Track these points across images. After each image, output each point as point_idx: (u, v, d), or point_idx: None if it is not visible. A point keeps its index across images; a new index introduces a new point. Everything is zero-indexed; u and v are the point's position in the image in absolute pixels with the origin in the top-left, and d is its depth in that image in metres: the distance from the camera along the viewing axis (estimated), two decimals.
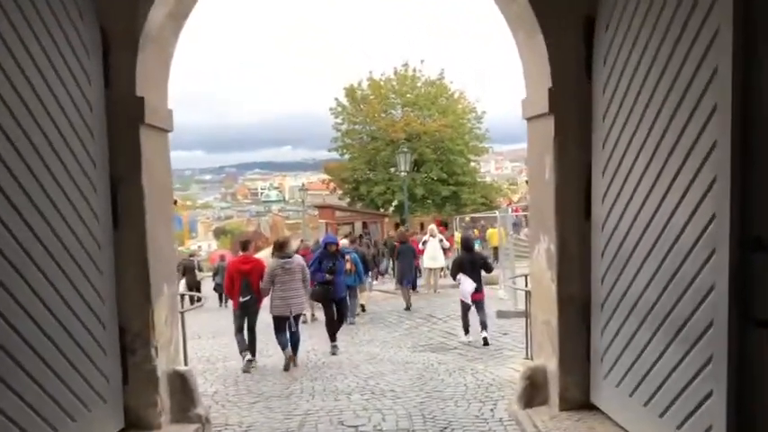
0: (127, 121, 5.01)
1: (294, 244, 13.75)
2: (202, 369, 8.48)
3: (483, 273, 10.50)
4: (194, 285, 19.64)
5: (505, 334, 10.10)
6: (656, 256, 4.14)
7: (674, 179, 3.91)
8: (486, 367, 7.85)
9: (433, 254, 16.49)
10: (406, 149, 22.96)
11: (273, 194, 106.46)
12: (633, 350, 4.48)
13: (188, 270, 20.04)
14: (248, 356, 8.72)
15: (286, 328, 8.72)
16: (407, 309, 14.18)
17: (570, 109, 5.12)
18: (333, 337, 9.79)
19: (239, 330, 9.01)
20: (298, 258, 9.20)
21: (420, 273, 17.29)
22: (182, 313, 7.67)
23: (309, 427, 5.57)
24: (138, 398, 5.15)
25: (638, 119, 4.33)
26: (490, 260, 12.79)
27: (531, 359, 7.27)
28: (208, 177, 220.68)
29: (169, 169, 5.89)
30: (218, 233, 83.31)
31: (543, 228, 5.49)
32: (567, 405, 5.25)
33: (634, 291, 4.45)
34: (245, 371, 8.44)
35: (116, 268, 5.02)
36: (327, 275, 9.71)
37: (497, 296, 14.66)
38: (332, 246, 10.13)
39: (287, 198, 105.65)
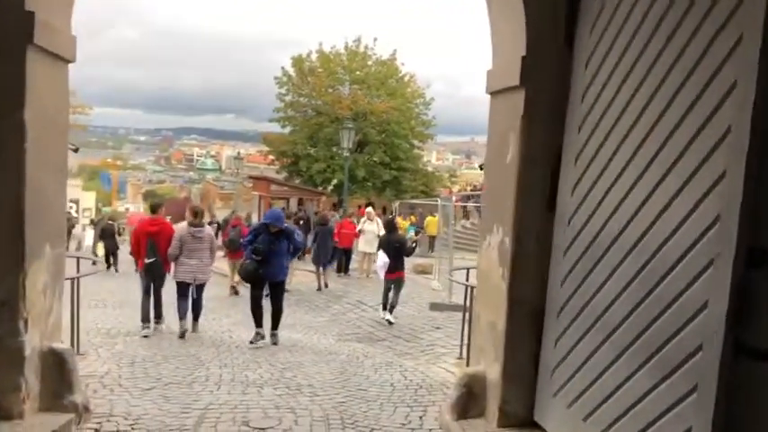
0: (8, 38, 4.03)
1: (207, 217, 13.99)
2: (99, 343, 7.49)
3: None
4: (113, 250, 18.54)
5: (438, 328, 9.47)
6: (634, 262, 3.50)
7: (668, 171, 3.27)
8: (416, 365, 7.19)
9: (370, 238, 15.80)
10: (351, 125, 22.04)
11: (209, 162, 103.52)
12: (592, 369, 3.85)
13: (107, 234, 19.17)
14: (147, 329, 8.66)
15: (188, 295, 8.81)
16: (319, 289, 14.17)
17: (544, 83, 4.43)
18: (276, 326, 8.54)
19: (146, 293, 8.92)
20: (208, 229, 9.31)
21: (335, 257, 16.50)
22: (77, 279, 6.70)
23: (208, 425, 4.74)
24: None
25: (627, 99, 3.67)
26: (409, 244, 12.73)
27: (467, 362, 6.66)
28: (143, 138, 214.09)
29: (66, 108, 4.91)
30: (148, 197, 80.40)
31: (498, 217, 4.81)
32: (507, 420, 4.61)
33: (601, 300, 3.81)
34: (144, 336, 8.42)
35: None
36: (254, 255, 8.27)
37: (430, 287, 14.11)
38: (274, 227, 8.34)
39: (223, 168, 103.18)
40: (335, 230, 16.69)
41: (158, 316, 8.96)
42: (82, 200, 41.14)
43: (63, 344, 4.88)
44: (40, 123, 4.25)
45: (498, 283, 4.73)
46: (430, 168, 44.30)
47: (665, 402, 3.17)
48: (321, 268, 14.66)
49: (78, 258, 7.62)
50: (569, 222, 4.24)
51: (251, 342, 8.13)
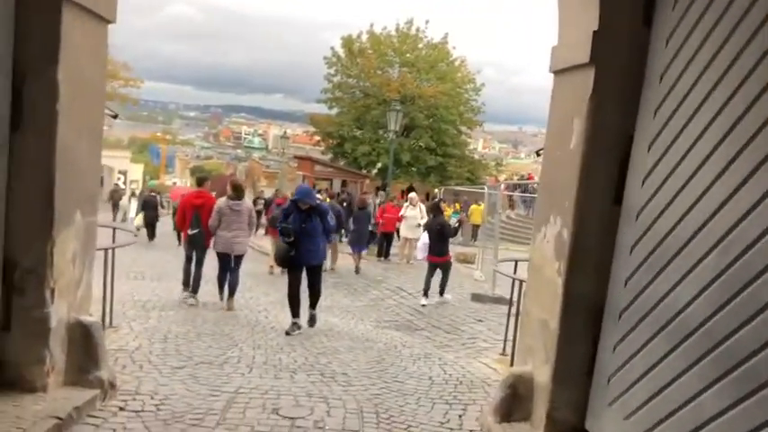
0: None
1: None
2: (132, 316, 7.37)
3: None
4: (153, 222, 18.85)
5: (480, 321, 9.10)
6: (715, 263, 3.09)
7: (760, 164, 2.85)
8: (456, 358, 6.85)
9: (411, 224, 15.45)
10: (398, 108, 21.60)
11: (256, 141, 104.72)
12: (657, 379, 3.46)
13: (149, 205, 19.33)
14: (188, 295, 8.95)
15: (227, 266, 8.96)
16: (357, 272, 14.00)
17: (617, 60, 4.00)
18: (312, 305, 8.05)
19: (188, 260, 9.24)
20: (247, 202, 9.41)
21: (373, 241, 16.38)
22: (112, 250, 6.55)
23: (236, 410, 4.51)
24: (20, 351, 4.05)
25: (716, 78, 3.23)
26: (452, 225, 12.89)
27: (512, 360, 6.30)
28: (192, 114, 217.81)
29: (103, 70, 4.69)
30: (195, 172, 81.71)
31: (556, 207, 4.42)
32: (555, 427, 4.25)
33: (671, 304, 3.40)
34: (183, 301, 8.81)
35: (8, 181, 3.88)
36: (285, 238, 7.72)
37: (473, 277, 13.73)
38: (303, 203, 7.71)
39: (270, 147, 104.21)
40: (378, 214, 16.48)
41: (195, 289, 9.06)
42: (130, 172, 41.81)
43: (91, 316, 4.70)
44: (74, 84, 4.03)
45: (553, 277, 4.36)
46: (476, 156, 43.57)
47: (747, 424, 2.78)
48: (356, 251, 14.56)
49: (114, 229, 7.47)
50: (637, 217, 3.83)
51: (287, 333, 7.52)
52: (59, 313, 4.21)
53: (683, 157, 3.45)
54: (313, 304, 8.10)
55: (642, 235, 3.76)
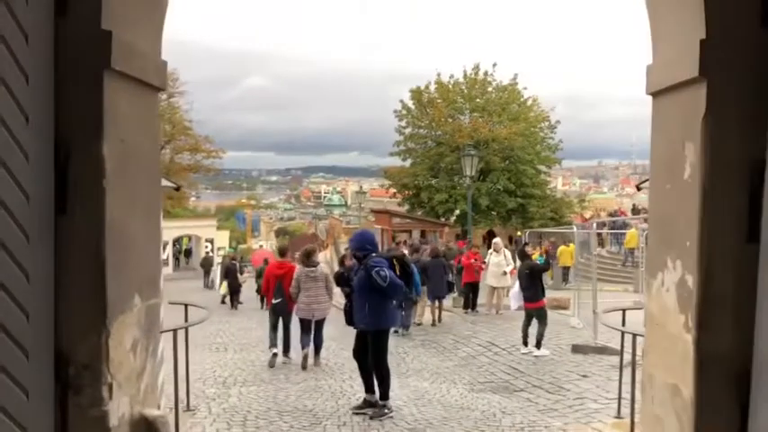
0: (83, 61, 3.54)
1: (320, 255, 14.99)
2: (212, 395, 7.01)
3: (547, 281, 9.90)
4: (236, 288, 19.32)
5: (585, 376, 8.22)
6: None
7: None
8: (564, 425, 6.07)
9: (496, 271, 14.67)
10: (473, 152, 21.06)
11: (336, 198, 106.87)
12: None
13: (230, 273, 19.82)
14: (274, 350, 9.54)
15: (309, 329, 9.30)
16: (433, 324, 13.64)
17: (733, 71, 3.36)
18: (383, 395, 6.57)
19: (273, 328, 9.85)
20: (322, 267, 9.85)
21: (452, 289, 15.53)
22: (186, 329, 6.24)
23: None
24: None
25: None
26: (539, 264, 11.52)
27: (631, 425, 5.47)
28: (274, 179, 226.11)
29: (156, 139, 4.42)
30: (279, 234, 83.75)
31: (675, 249, 3.72)
32: None
33: None
34: (270, 365, 9.27)
35: (56, 269, 3.57)
36: (344, 287, 7.19)
37: (569, 324, 12.75)
38: (357, 253, 6.74)
39: (349, 203, 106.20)
40: (463, 263, 15.77)
41: (286, 350, 9.75)
42: (217, 239, 42.93)
43: (158, 410, 4.30)
44: (122, 157, 3.73)
45: (679, 334, 3.63)
46: (558, 194, 42.23)
47: None
48: (435, 302, 13.99)
49: (186, 306, 7.17)
50: None
51: (353, 411, 6.46)
52: (121, 409, 3.82)
53: None
54: (382, 393, 6.59)
55: None
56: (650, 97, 4.16)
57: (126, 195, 3.82)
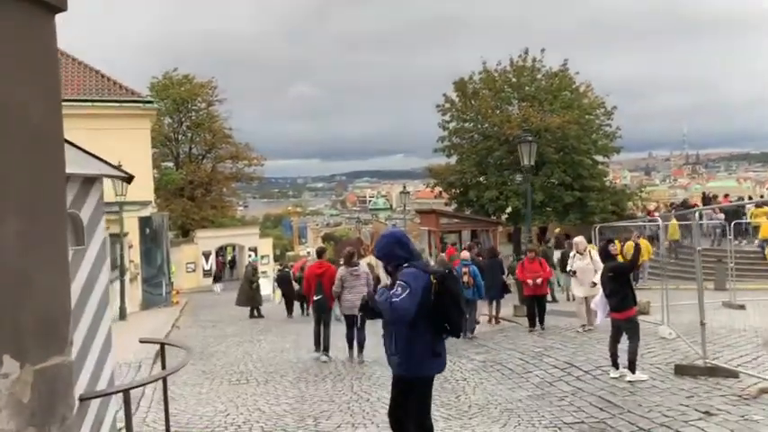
0: None
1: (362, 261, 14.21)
2: None
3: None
4: (291, 296, 18.95)
5: (708, 413, 6.14)
6: None
7: None
8: None
9: (585, 278, 12.06)
10: (530, 138, 18.93)
11: (381, 202, 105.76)
12: None
13: (283, 281, 19.77)
14: (321, 354, 10.33)
15: (353, 325, 10.15)
16: (489, 321, 14.00)
17: None
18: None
19: (317, 323, 10.71)
20: (363, 266, 10.72)
21: (508, 291, 14.87)
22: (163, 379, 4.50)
23: None
24: None
25: None
26: (623, 263, 9.50)
27: None
28: (320, 185, 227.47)
29: (54, 97, 2.68)
30: (326, 239, 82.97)
31: None
32: None
33: None
34: (317, 360, 10.23)
35: None
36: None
37: (657, 334, 10.61)
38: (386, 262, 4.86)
39: (394, 206, 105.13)
40: (518, 272, 13.73)
41: (326, 348, 10.42)
42: (260, 247, 41.89)
43: None
44: None
45: None
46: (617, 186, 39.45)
47: None
48: (494, 303, 14.02)
49: (163, 345, 5.39)
50: None
51: None
52: None
53: None
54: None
55: None
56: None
57: None
